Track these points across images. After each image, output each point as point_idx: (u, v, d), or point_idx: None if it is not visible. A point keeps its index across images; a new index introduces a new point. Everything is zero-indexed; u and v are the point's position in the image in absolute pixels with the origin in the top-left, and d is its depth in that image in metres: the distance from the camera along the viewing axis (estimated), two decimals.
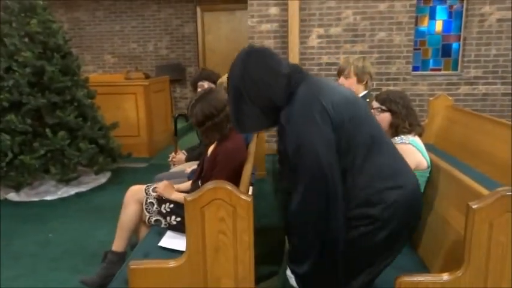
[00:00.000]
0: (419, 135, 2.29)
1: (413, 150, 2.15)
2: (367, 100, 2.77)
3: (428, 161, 2.18)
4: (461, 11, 5.41)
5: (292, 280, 1.66)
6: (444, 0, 5.45)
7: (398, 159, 1.65)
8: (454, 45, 5.53)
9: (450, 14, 5.49)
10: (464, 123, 3.80)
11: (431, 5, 5.49)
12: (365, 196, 1.53)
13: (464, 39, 5.40)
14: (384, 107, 2.26)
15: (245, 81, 1.56)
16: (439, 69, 5.62)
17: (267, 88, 1.55)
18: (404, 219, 1.58)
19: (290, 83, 1.56)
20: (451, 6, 5.46)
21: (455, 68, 5.56)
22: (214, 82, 3.33)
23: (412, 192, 1.61)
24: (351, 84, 2.82)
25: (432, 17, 5.52)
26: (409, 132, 2.24)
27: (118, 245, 2.52)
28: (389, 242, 1.58)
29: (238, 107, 1.59)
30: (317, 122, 1.46)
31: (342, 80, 2.86)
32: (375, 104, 2.30)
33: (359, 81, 2.82)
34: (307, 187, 1.47)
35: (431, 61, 5.63)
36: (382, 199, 1.54)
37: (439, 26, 5.54)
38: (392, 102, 2.24)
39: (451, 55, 5.56)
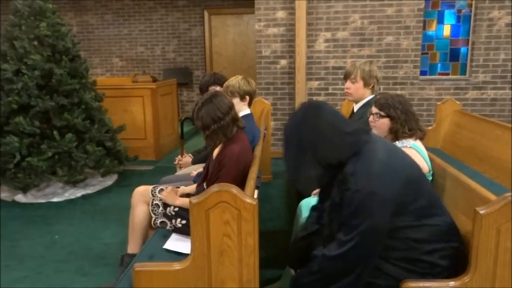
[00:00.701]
0: (421, 139, 2.27)
1: (415, 154, 2.14)
2: None
3: (430, 165, 2.18)
4: (470, 16, 5.38)
5: None
6: (452, 5, 5.43)
7: (448, 214, 1.69)
8: (463, 49, 5.50)
9: (458, 19, 5.46)
10: (472, 128, 3.77)
11: (439, 9, 5.46)
12: (421, 249, 1.58)
13: (473, 43, 5.37)
14: (382, 113, 2.24)
15: (310, 138, 1.55)
16: (447, 74, 5.58)
17: (331, 146, 1.55)
18: (456, 267, 1.62)
19: (356, 142, 1.57)
20: (459, 11, 5.44)
21: (463, 73, 5.53)
22: None
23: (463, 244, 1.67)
24: (357, 89, 2.81)
25: (440, 21, 5.50)
26: (409, 137, 2.22)
27: (133, 247, 2.53)
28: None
29: (299, 162, 1.59)
30: (381, 184, 1.49)
31: (348, 84, 2.84)
32: (374, 110, 2.28)
33: (365, 85, 2.80)
34: (355, 242, 1.48)
35: (439, 65, 5.60)
36: (439, 250, 1.59)
37: (447, 30, 5.51)
38: (391, 108, 2.22)
39: (459, 59, 5.53)
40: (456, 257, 1.61)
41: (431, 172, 2.17)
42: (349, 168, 1.53)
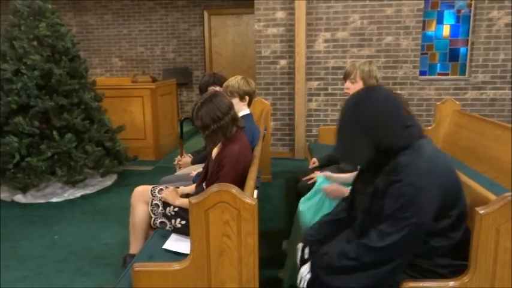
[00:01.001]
0: None
1: None
2: None
3: None
4: (469, 16, 5.38)
5: (304, 282, 1.67)
6: (452, 5, 5.43)
7: (469, 233, 1.70)
8: (462, 49, 5.50)
9: (458, 19, 5.46)
10: (471, 128, 3.77)
11: (439, 9, 5.47)
12: (435, 261, 1.58)
13: (472, 43, 5.37)
14: None
15: (372, 118, 1.55)
16: (447, 74, 5.59)
17: (390, 132, 1.55)
18: None
19: (412, 135, 1.57)
20: (458, 11, 5.44)
21: (462, 73, 5.53)
22: None
23: None
24: (357, 88, 2.80)
25: (440, 21, 5.50)
26: None
27: (134, 247, 2.53)
28: None
29: (352, 137, 1.59)
30: (433, 182, 1.48)
31: (347, 84, 2.85)
32: None
33: (365, 85, 2.80)
34: (401, 235, 1.47)
35: (438, 66, 5.60)
36: (452, 266, 1.59)
37: (446, 30, 5.51)
38: None
39: (459, 60, 5.53)
40: None
41: None
42: (403, 160, 1.52)
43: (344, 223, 1.83)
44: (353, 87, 2.81)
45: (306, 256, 1.81)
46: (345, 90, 2.88)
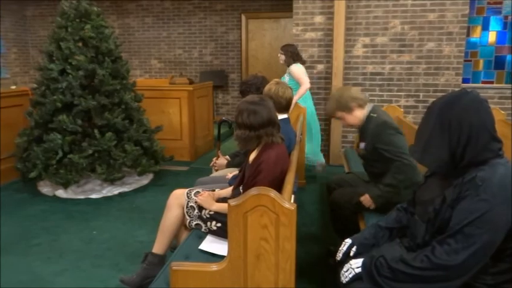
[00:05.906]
0: None
1: None
2: None
3: None
4: None
5: (345, 278, 1.67)
6: (499, 11, 5.24)
7: None
8: (508, 57, 5.29)
9: (505, 25, 5.26)
10: None
11: (484, 15, 5.29)
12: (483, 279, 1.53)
13: None
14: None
15: (460, 124, 1.51)
16: (491, 82, 5.39)
17: (474, 143, 1.50)
18: None
19: (494, 151, 1.53)
20: (505, 17, 5.24)
21: (508, 81, 5.32)
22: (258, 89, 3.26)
23: None
24: (349, 120, 2.77)
25: (485, 27, 5.32)
26: None
27: (158, 247, 2.56)
28: None
29: (434, 138, 1.56)
30: (506, 202, 1.44)
31: (341, 121, 2.84)
32: None
33: (350, 111, 2.74)
34: (471, 252, 1.43)
35: (482, 73, 5.41)
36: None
37: (492, 37, 5.32)
38: None
39: (505, 67, 5.33)
40: None
41: None
42: (480, 175, 1.47)
43: (395, 234, 1.82)
44: (345, 121, 2.78)
45: (352, 254, 1.80)
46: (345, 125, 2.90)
